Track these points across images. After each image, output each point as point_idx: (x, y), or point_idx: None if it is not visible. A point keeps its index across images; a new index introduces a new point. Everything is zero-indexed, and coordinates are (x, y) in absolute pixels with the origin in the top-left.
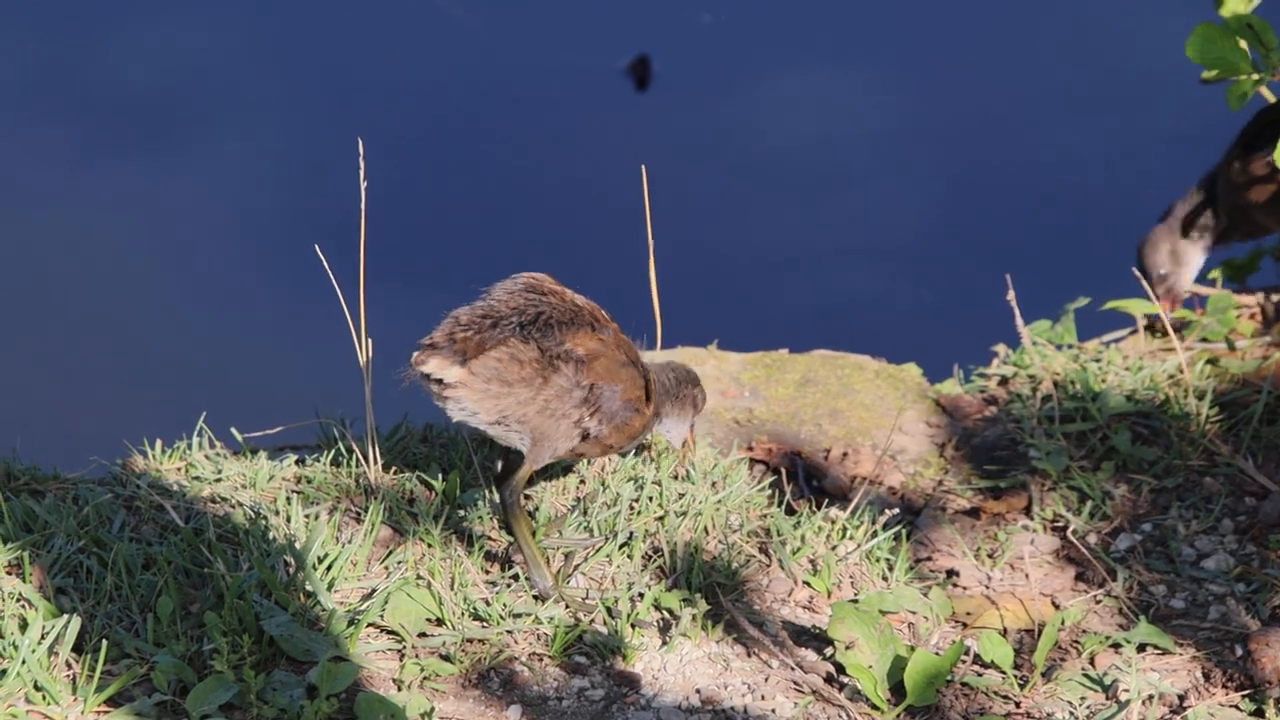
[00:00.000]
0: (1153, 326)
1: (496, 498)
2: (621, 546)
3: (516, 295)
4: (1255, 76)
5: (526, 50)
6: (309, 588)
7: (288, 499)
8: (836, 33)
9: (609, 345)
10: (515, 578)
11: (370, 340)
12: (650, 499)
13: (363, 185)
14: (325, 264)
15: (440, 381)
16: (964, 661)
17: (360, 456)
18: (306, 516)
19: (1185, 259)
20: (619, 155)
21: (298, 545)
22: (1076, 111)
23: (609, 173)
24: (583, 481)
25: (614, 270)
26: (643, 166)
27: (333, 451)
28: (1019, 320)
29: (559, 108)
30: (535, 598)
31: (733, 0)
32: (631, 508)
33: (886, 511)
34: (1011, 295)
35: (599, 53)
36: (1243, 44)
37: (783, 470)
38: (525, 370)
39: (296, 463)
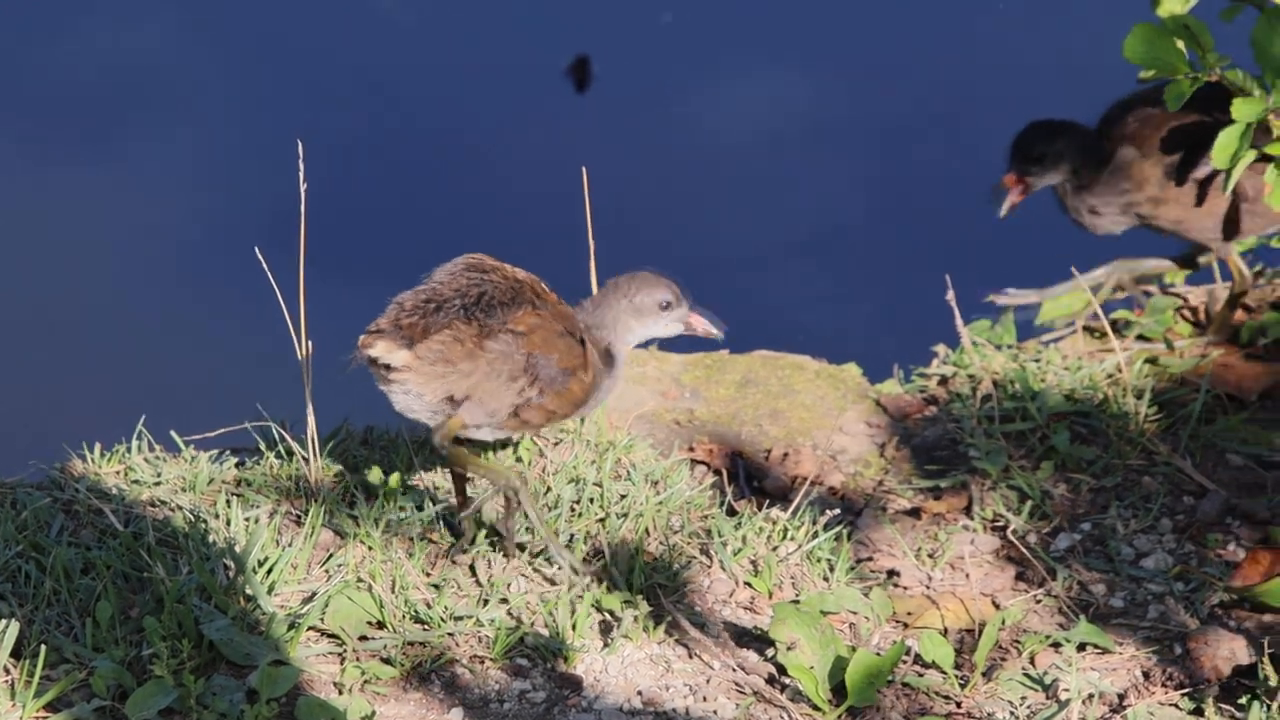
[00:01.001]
0: (1090, 328)
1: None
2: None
3: (459, 276)
4: (1193, 76)
5: (473, 50)
6: (249, 591)
7: (228, 502)
8: (785, 32)
9: (546, 319)
10: (457, 580)
11: (310, 341)
12: (591, 500)
13: (302, 186)
14: (264, 264)
15: (387, 366)
16: (905, 661)
17: (300, 459)
18: (246, 519)
19: (1050, 173)
20: (561, 156)
21: (238, 548)
22: (1015, 109)
23: (550, 173)
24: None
25: (555, 271)
26: (583, 167)
27: (273, 454)
28: (958, 320)
29: (503, 107)
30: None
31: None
32: (573, 509)
33: (827, 512)
34: (951, 295)
35: (555, 52)
36: (1180, 44)
37: (724, 471)
38: (468, 347)
39: (236, 465)
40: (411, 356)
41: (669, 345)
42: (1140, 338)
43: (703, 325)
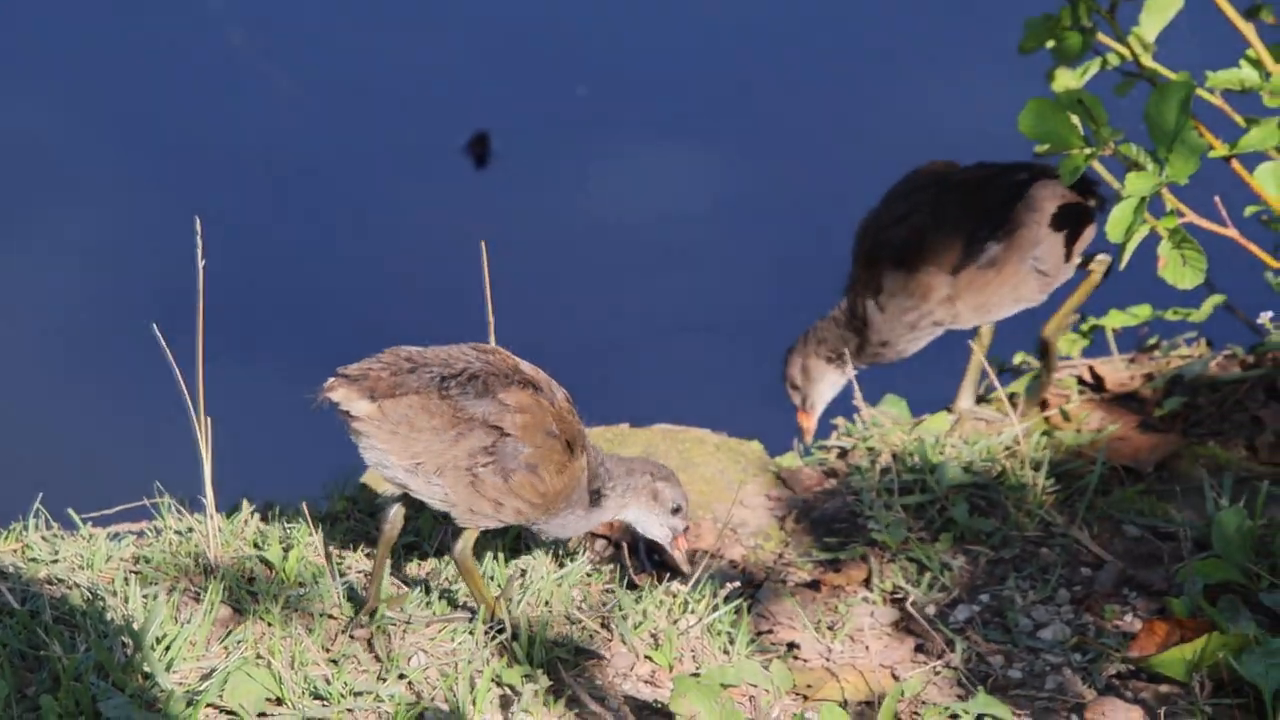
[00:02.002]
0: (985, 398)
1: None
2: (464, 622)
3: (453, 349)
4: (1088, 151)
5: (373, 125)
6: (147, 668)
7: (125, 579)
8: (692, 108)
9: (542, 408)
10: (356, 656)
11: (209, 419)
12: (491, 576)
13: (200, 264)
14: (163, 342)
15: (348, 414)
16: None
17: (199, 535)
18: (145, 597)
19: (815, 376)
20: (460, 232)
21: (135, 626)
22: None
23: (450, 249)
24: (423, 557)
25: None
26: (482, 243)
27: (171, 531)
28: (857, 394)
29: (402, 183)
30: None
31: (608, 74)
32: None
33: (727, 585)
34: (850, 369)
35: (458, 129)
36: (1074, 119)
37: (624, 544)
38: (435, 420)
39: (135, 543)
40: (374, 410)
41: None
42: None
43: (681, 555)
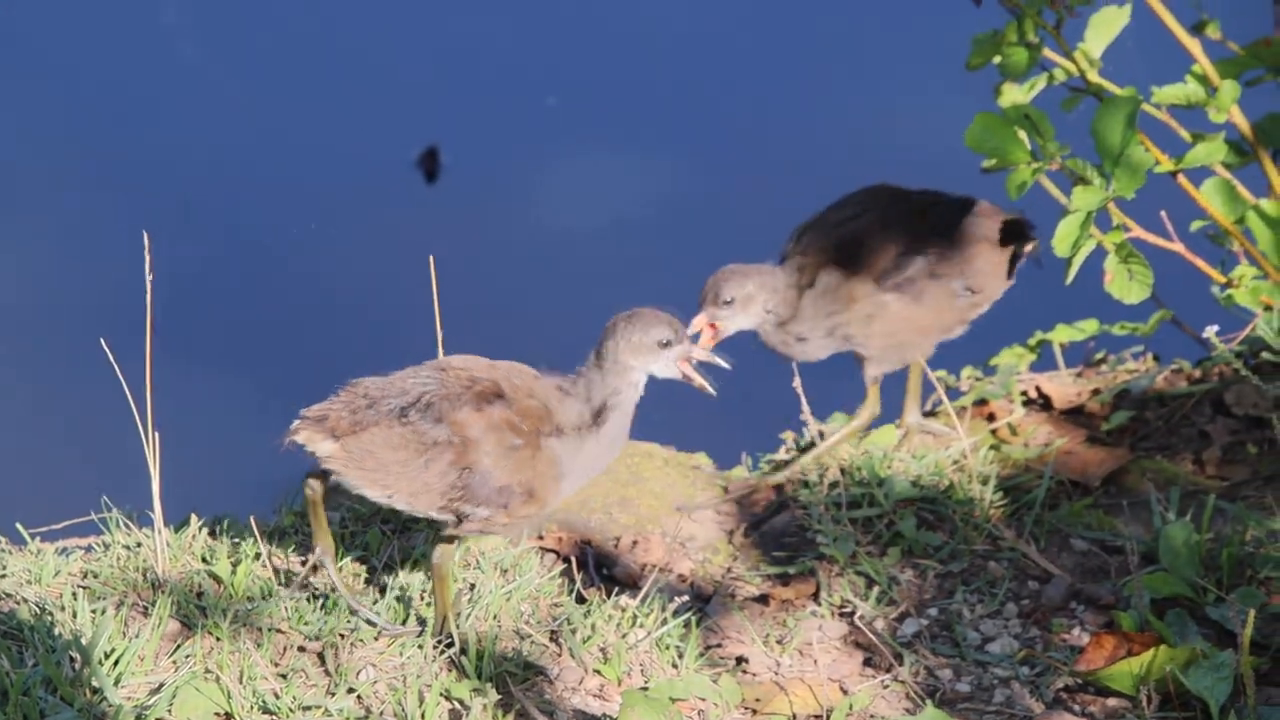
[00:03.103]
0: (933, 412)
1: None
2: (413, 636)
3: (409, 375)
4: (1034, 165)
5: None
6: (95, 683)
7: (74, 594)
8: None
9: (496, 425)
10: (305, 670)
11: (157, 433)
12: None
13: (149, 278)
14: (110, 355)
15: (315, 455)
16: None
17: (148, 550)
18: (93, 611)
19: (749, 312)
20: (411, 246)
21: (84, 640)
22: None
23: (401, 263)
24: (373, 570)
25: (405, 362)
26: (430, 257)
27: (120, 545)
28: (805, 408)
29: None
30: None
31: (579, 84)
32: (421, 597)
33: (676, 599)
34: (798, 383)
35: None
36: (1021, 134)
37: (573, 559)
38: (399, 454)
39: (83, 557)
40: (338, 449)
41: None
42: (980, 401)
43: (698, 379)
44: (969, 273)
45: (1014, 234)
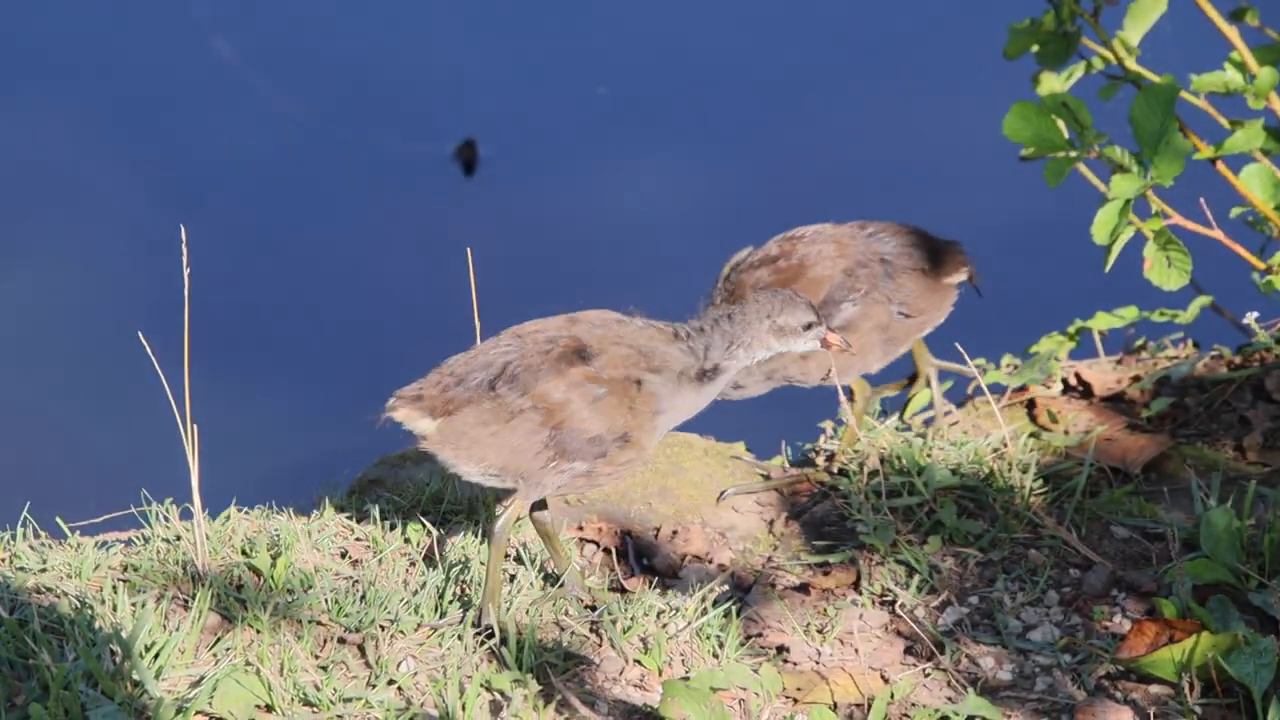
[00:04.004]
0: (972, 399)
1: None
2: (453, 627)
3: (491, 346)
4: (1073, 154)
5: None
6: (136, 677)
7: (114, 587)
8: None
9: (577, 382)
10: (346, 661)
11: (195, 426)
12: (480, 580)
13: (186, 272)
14: (149, 350)
15: (413, 433)
16: None
17: (188, 543)
18: (133, 605)
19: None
20: (449, 239)
21: (124, 634)
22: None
23: (439, 256)
24: (412, 564)
25: (443, 355)
26: (468, 250)
27: (159, 539)
28: (843, 399)
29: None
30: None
31: (629, 74)
32: (462, 589)
33: (716, 589)
34: (834, 372)
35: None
36: (1059, 122)
37: (613, 549)
38: (492, 426)
39: (123, 551)
40: (435, 428)
41: None
42: (1020, 388)
43: (836, 340)
44: (901, 298)
45: (948, 260)
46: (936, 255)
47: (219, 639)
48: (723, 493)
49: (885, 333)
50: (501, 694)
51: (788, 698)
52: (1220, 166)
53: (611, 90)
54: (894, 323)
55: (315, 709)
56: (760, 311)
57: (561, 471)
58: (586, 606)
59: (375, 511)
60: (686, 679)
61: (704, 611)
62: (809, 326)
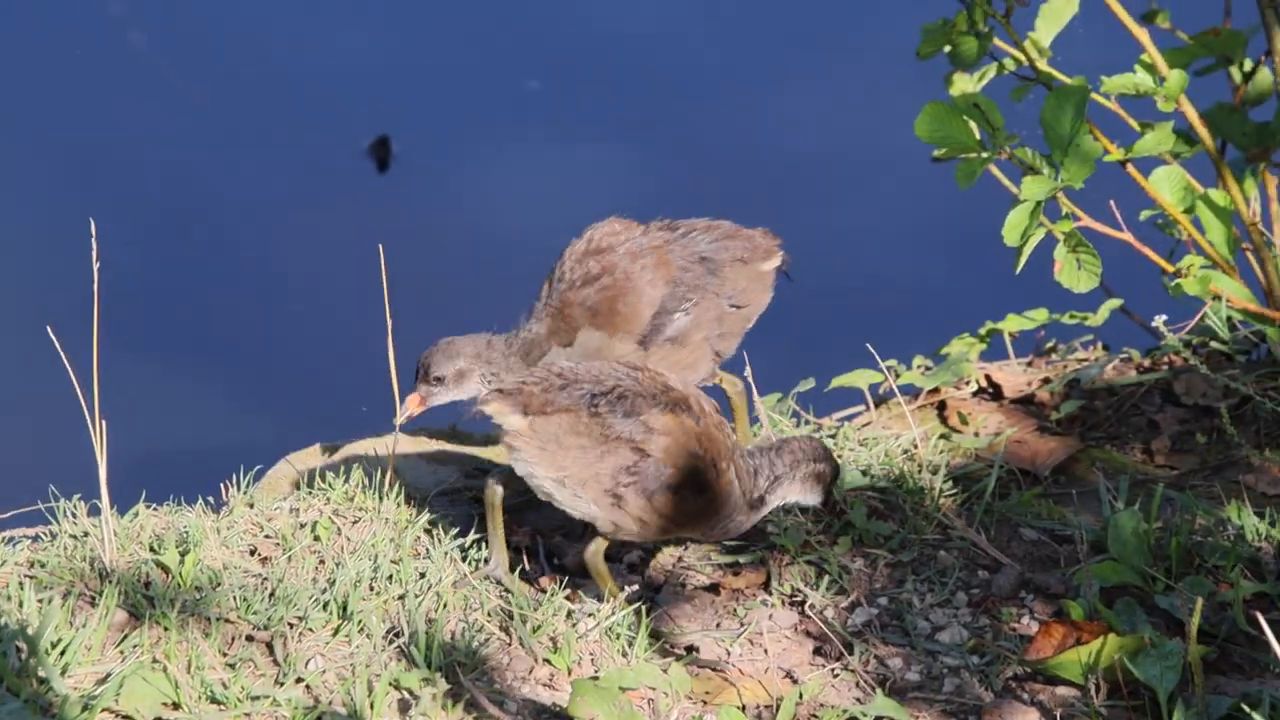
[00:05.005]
0: (884, 401)
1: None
2: (360, 626)
3: (604, 366)
4: (984, 155)
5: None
6: (42, 673)
7: (20, 584)
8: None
9: (686, 430)
10: (254, 659)
11: (104, 421)
12: (390, 578)
13: (95, 266)
14: (57, 344)
15: (500, 428)
16: None
17: (95, 539)
18: (39, 601)
19: (464, 387)
20: (361, 235)
21: (30, 630)
22: (814, 189)
23: (350, 252)
24: (321, 561)
25: (353, 351)
26: (379, 246)
27: (67, 535)
28: (756, 396)
29: (305, 187)
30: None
31: (559, 69)
32: (371, 587)
33: (626, 588)
34: (749, 372)
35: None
36: (971, 123)
37: (523, 548)
38: (583, 439)
39: (30, 547)
40: (525, 424)
41: (468, 424)
42: (932, 390)
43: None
44: (728, 291)
45: (762, 247)
46: (750, 244)
47: (126, 636)
48: None
49: (720, 326)
50: (410, 692)
51: (696, 698)
52: (1130, 169)
53: (543, 84)
54: (726, 314)
55: (222, 707)
56: (804, 457)
57: (626, 502)
58: (502, 593)
59: (284, 508)
60: (596, 678)
61: (613, 611)
62: (835, 479)
